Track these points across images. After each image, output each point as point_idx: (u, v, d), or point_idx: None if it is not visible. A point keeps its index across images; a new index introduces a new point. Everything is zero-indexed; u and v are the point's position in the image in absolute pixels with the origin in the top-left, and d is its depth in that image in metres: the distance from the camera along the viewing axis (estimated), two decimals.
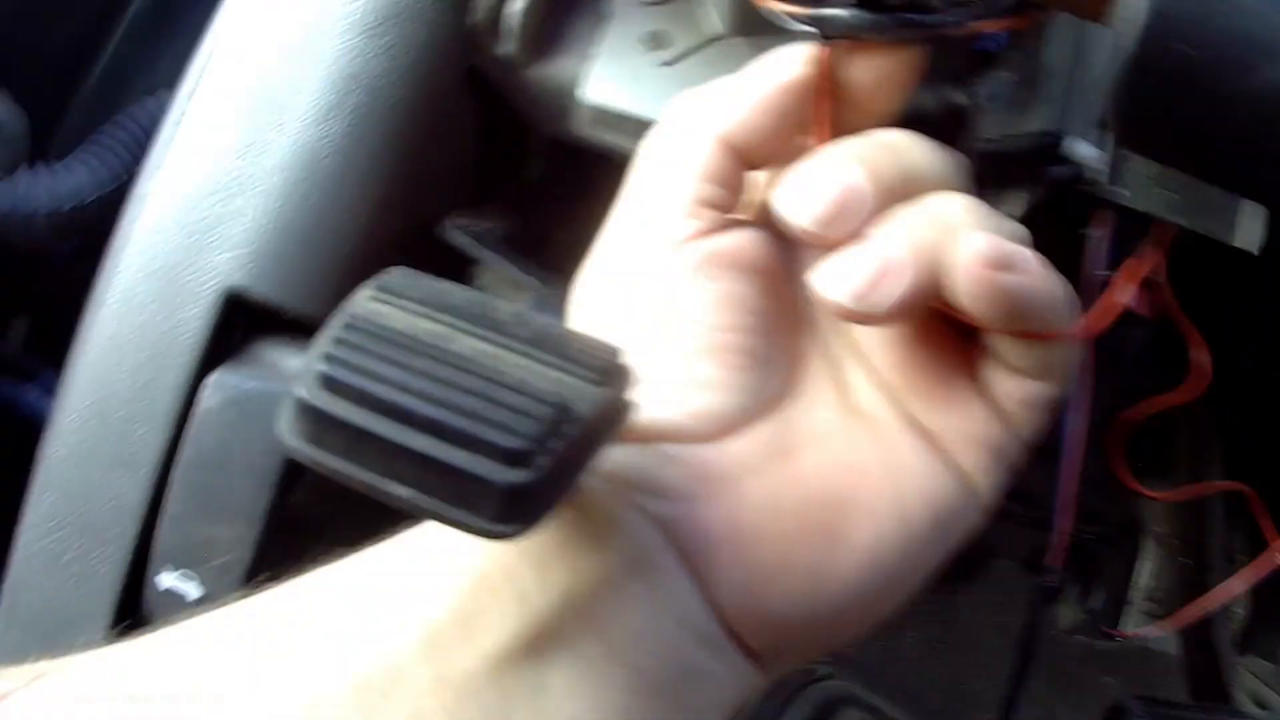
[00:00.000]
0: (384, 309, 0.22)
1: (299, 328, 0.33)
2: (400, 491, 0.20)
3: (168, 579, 0.33)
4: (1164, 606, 0.64)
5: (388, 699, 0.20)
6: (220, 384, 0.32)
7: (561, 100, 0.35)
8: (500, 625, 0.21)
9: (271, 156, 0.33)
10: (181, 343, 0.33)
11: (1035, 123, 0.35)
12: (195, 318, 0.33)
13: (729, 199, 0.26)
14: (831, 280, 0.23)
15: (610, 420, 0.21)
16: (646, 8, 0.34)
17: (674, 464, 0.23)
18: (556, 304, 0.28)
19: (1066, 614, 0.70)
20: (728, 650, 0.23)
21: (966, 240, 0.23)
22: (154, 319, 0.33)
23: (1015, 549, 0.67)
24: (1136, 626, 0.64)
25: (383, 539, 0.24)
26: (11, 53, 0.46)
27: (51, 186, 0.46)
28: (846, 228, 0.23)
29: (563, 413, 0.20)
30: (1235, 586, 0.43)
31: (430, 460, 0.20)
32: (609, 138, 0.35)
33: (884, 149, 0.24)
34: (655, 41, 0.34)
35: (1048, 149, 0.33)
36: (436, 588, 0.22)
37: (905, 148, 0.25)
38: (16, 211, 0.44)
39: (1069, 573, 0.69)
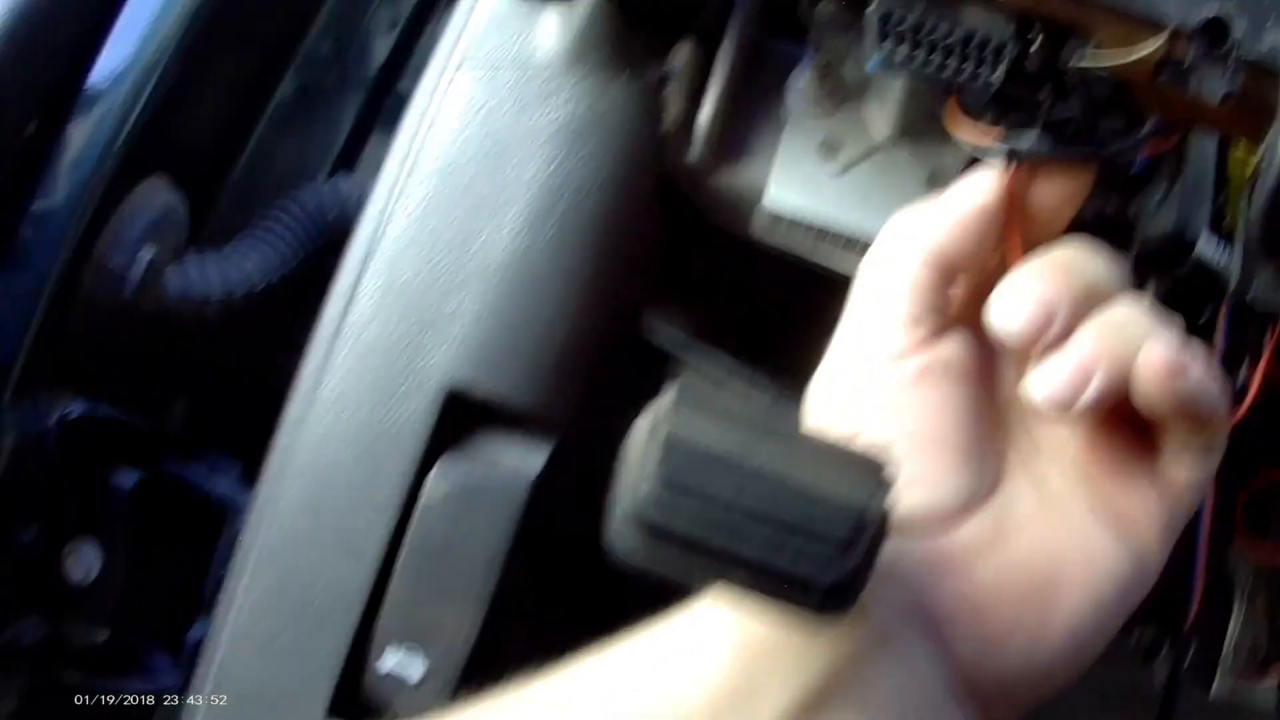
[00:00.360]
0: (692, 423, 0.24)
1: (516, 420, 0.35)
2: (732, 587, 0.23)
3: (391, 659, 0.35)
4: (1257, 665, 0.66)
5: None
6: (445, 474, 0.34)
7: (743, 206, 0.37)
8: (778, 694, 0.24)
9: (486, 257, 0.36)
10: (405, 436, 0.35)
11: (1165, 224, 0.38)
12: (417, 413, 0.35)
13: (937, 313, 0.30)
14: (1038, 383, 0.26)
15: (891, 518, 0.24)
16: (820, 115, 0.37)
17: (908, 555, 0.26)
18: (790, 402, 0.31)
19: (1163, 672, 0.72)
20: (957, 710, 0.26)
21: (1149, 350, 0.26)
22: (374, 413, 0.35)
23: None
24: (1227, 684, 0.66)
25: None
26: (166, 143, 0.48)
27: (223, 272, 0.48)
28: (1049, 339, 0.27)
29: (869, 517, 0.23)
30: None
31: (762, 566, 0.22)
32: (784, 241, 0.38)
33: (1071, 261, 0.28)
34: (828, 149, 0.37)
35: (1182, 249, 0.36)
36: (713, 659, 0.24)
37: (1086, 258, 0.28)
38: (189, 297, 0.46)
39: (1163, 632, 0.71)
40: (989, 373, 0.30)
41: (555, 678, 0.25)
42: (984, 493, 0.29)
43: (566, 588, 0.37)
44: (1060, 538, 0.28)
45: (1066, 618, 0.28)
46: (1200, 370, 0.26)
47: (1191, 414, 0.27)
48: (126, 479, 0.47)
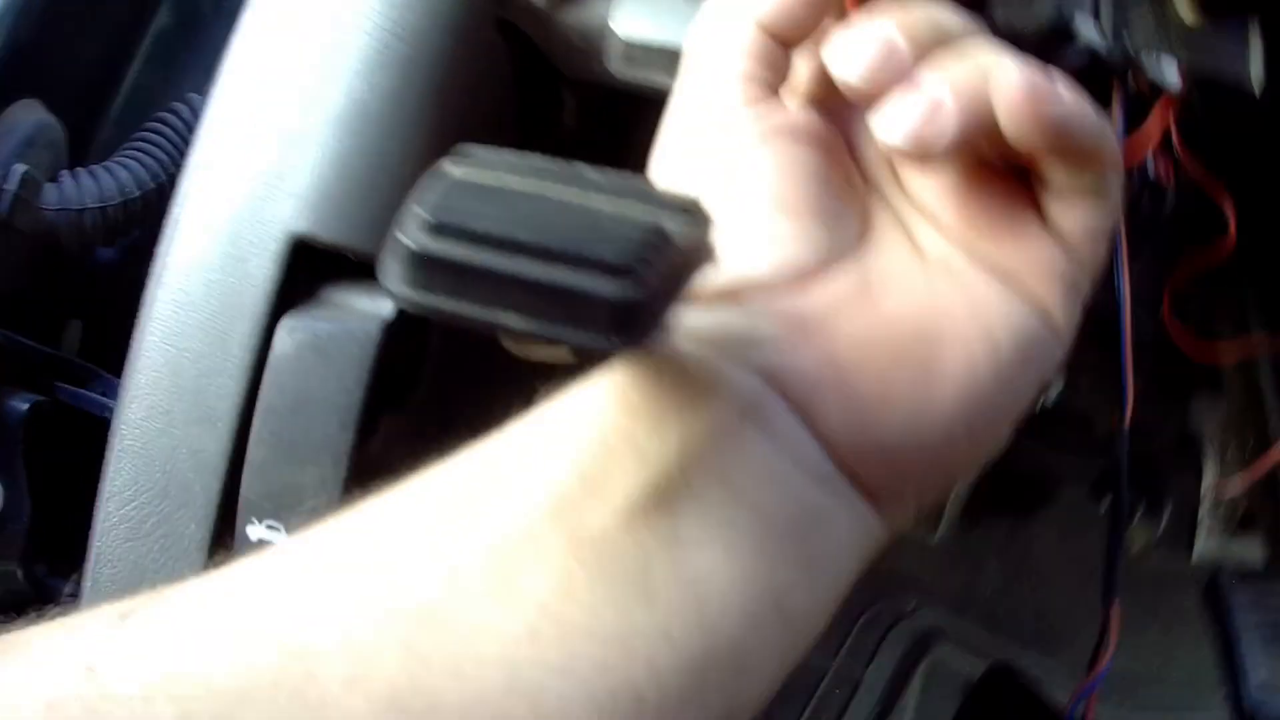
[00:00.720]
0: (470, 168, 0.23)
1: (364, 271, 0.34)
2: (513, 320, 0.21)
3: (256, 531, 0.33)
4: (1236, 522, 0.65)
5: (525, 562, 0.21)
6: (293, 327, 0.33)
7: (593, 42, 0.36)
8: (626, 482, 0.22)
9: (323, 110, 0.34)
10: (251, 292, 0.33)
11: (1043, 10, 0.36)
12: (263, 266, 0.33)
13: (775, 79, 0.28)
14: (889, 123, 0.25)
15: (698, 253, 0.22)
16: None
17: (765, 316, 0.25)
18: None
19: (1138, 537, 0.70)
20: (845, 490, 0.24)
21: (1004, 73, 0.24)
22: (221, 273, 0.34)
23: (1082, 476, 0.68)
24: (1209, 543, 0.64)
25: None
26: (40, 70, 0.48)
27: (96, 185, 0.48)
28: (893, 77, 0.25)
29: (660, 235, 0.21)
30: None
31: (540, 284, 0.20)
32: (643, 75, 0.36)
33: (915, 10, 0.26)
34: None
35: (1060, 32, 0.35)
36: (557, 455, 0.23)
37: (934, 10, 0.26)
38: (65, 210, 0.46)
39: (1135, 496, 0.69)
40: (847, 141, 0.29)
41: (412, 482, 0.23)
42: (846, 251, 0.27)
43: (431, 436, 0.36)
44: (939, 293, 0.26)
45: (953, 377, 0.25)
46: (1068, 95, 0.24)
47: (1067, 145, 0.25)
48: (19, 404, 0.46)
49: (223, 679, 0.19)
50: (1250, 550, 0.60)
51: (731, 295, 0.25)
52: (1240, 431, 0.54)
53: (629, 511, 0.22)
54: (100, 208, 0.46)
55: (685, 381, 0.23)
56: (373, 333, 0.32)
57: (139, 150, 0.50)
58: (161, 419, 0.34)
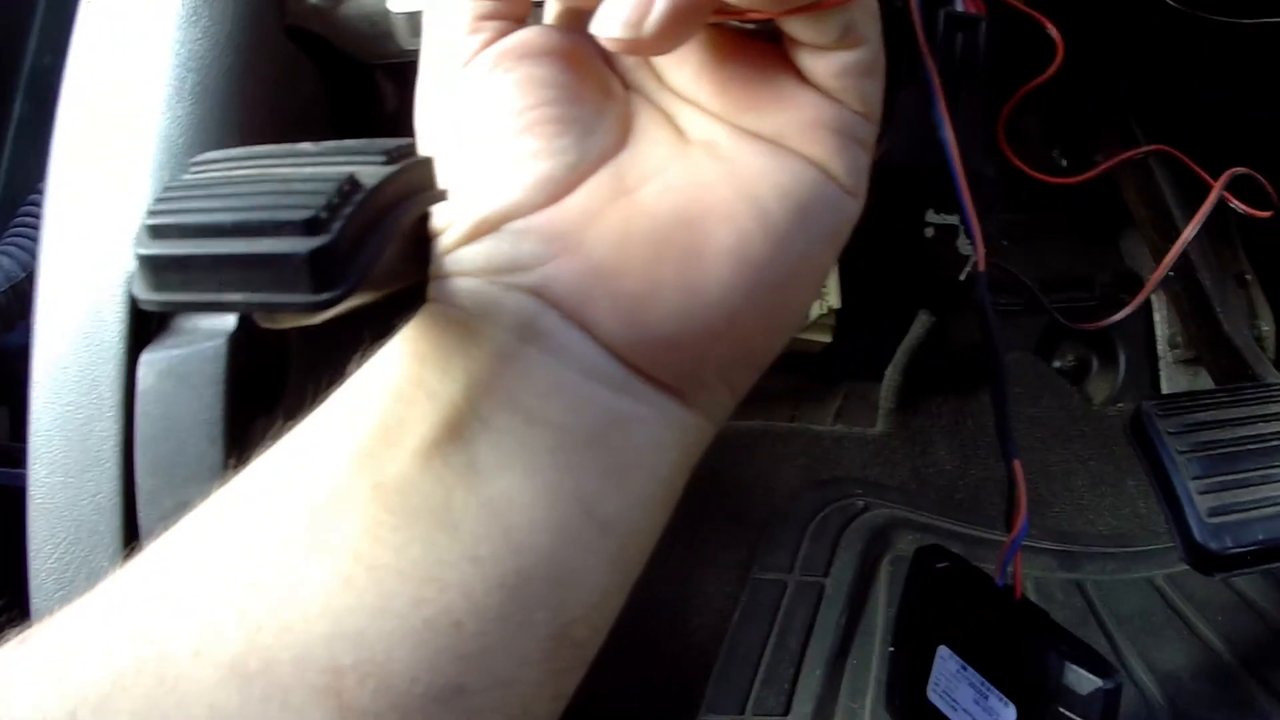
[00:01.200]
0: (198, 171, 0.24)
1: None
2: (233, 298, 0.22)
3: None
4: (1189, 349, 0.63)
5: (335, 516, 0.22)
6: (151, 360, 0.35)
7: (379, 25, 0.37)
8: (417, 423, 0.23)
9: (140, 154, 0.36)
10: (109, 337, 0.35)
11: None
12: (115, 311, 0.35)
13: (512, 8, 0.27)
14: (606, 23, 0.24)
15: (406, 189, 0.23)
16: None
17: (524, 236, 0.25)
18: None
19: (1098, 390, 0.69)
20: (641, 389, 0.25)
21: None
22: (81, 326, 0.36)
23: (1024, 339, 0.67)
24: (1175, 376, 0.63)
25: None
26: None
27: None
28: None
29: (350, 184, 0.22)
30: (1189, 232, 0.42)
31: (244, 257, 0.22)
32: None
33: None
34: None
35: None
36: (358, 412, 0.24)
37: None
38: None
39: (1089, 349, 0.69)
40: (577, 48, 0.28)
41: (251, 464, 0.25)
42: (599, 157, 0.26)
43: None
44: (700, 175, 0.26)
45: (722, 253, 0.25)
46: None
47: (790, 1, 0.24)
48: None
49: (98, 674, 0.21)
50: (1209, 383, 0.59)
51: (490, 224, 0.25)
52: (1156, 243, 0.53)
53: (424, 452, 0.23)
54: None
55: (463, 318, 0.24)
56: (219, 347, 0.34)
57: (19, 234, 0.52)
58: (60, 473, 0.36)
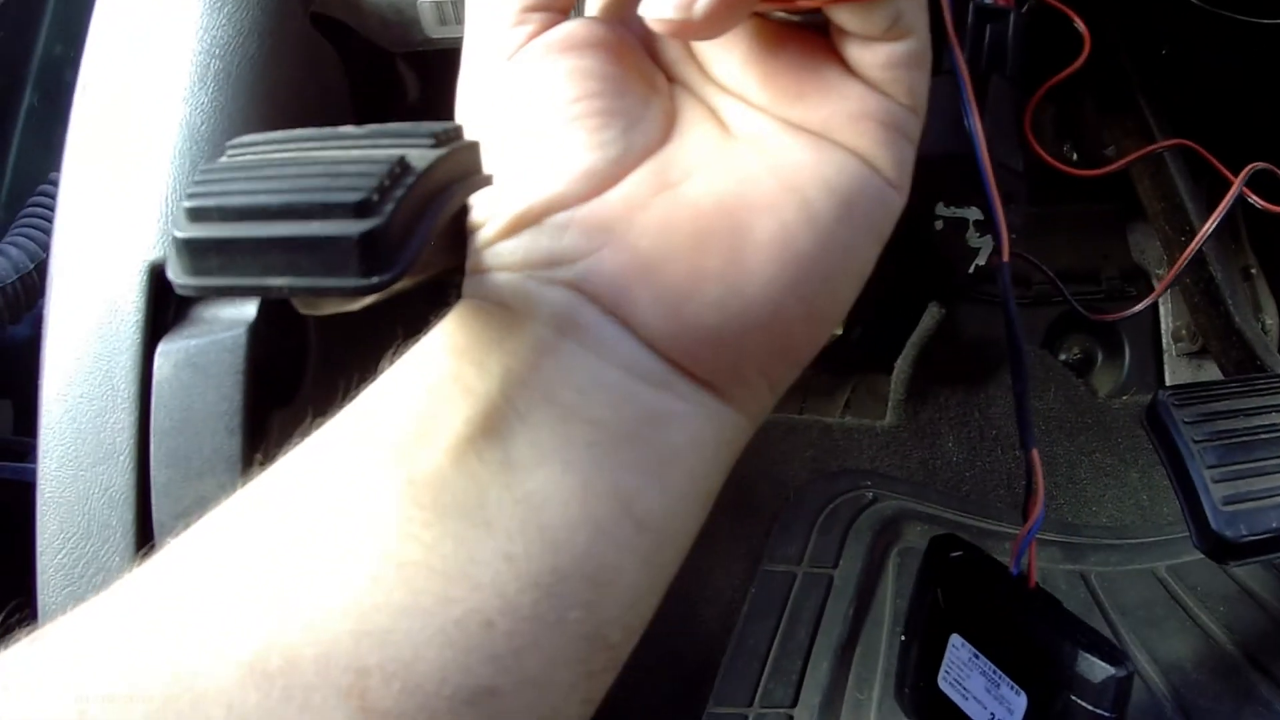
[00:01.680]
0: (237, 154, 0.24)
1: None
2: (277, 282, 0.22)
3: None
4: (1193, 342, 0.64)
5: (363, 512, 0.22)
6: (167, 351, 0.34)
7: (405, 13, 0.37)
8: (452, 419, 0.22)
9: (160, 142, 0.35)
10: (125, 328, 0.34)
11: None
12: (131, 301, 0.35)
13: (556, 3, 0.27)
14: (657, 4, 0.23)
15: (454, 173, 0.23)
16: None
17: (566, 230, 0.24)
18: None
19: (1103, 382, 0.70)
20: (682, 385, 0.24)
21: None
22: (96, 317, 0.35)
23: (1030, 332, 0.68)
24: (1178, 368, 0.63)
25: None
26: None
27: None
28: None
29: (400, 166, 0.22)
30: (1210, 225, 0.42)
31: (291, 240, 0.21)
32: (459, 33, 0.37)
33: None
34: None
35: None
36: (391, 408, 0.23)
37: None
38: None
39: (1095, 341, 0.69)
40: (648, 47, 0.28)
41: (284, 457, 0.24)
42: (643, 150, 0.26)
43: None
44: (747, 166, 0.25)
45: (767, 246, 0.24)
46: None
47: None
48: None
49: (112, 672, 0.21)
50: (1213, 375, 0.60)
51: (531, 217, 0.25)
52: (1169, 237, 0.53)
53: (458, 448, 0.22)
54: None
55: (502, 313, 0.24)
56: (239, 337, 0.33)
57: (28, 226, 0.51)
58: (71, 466, 0.35)
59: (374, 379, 0.25)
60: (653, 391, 0.24)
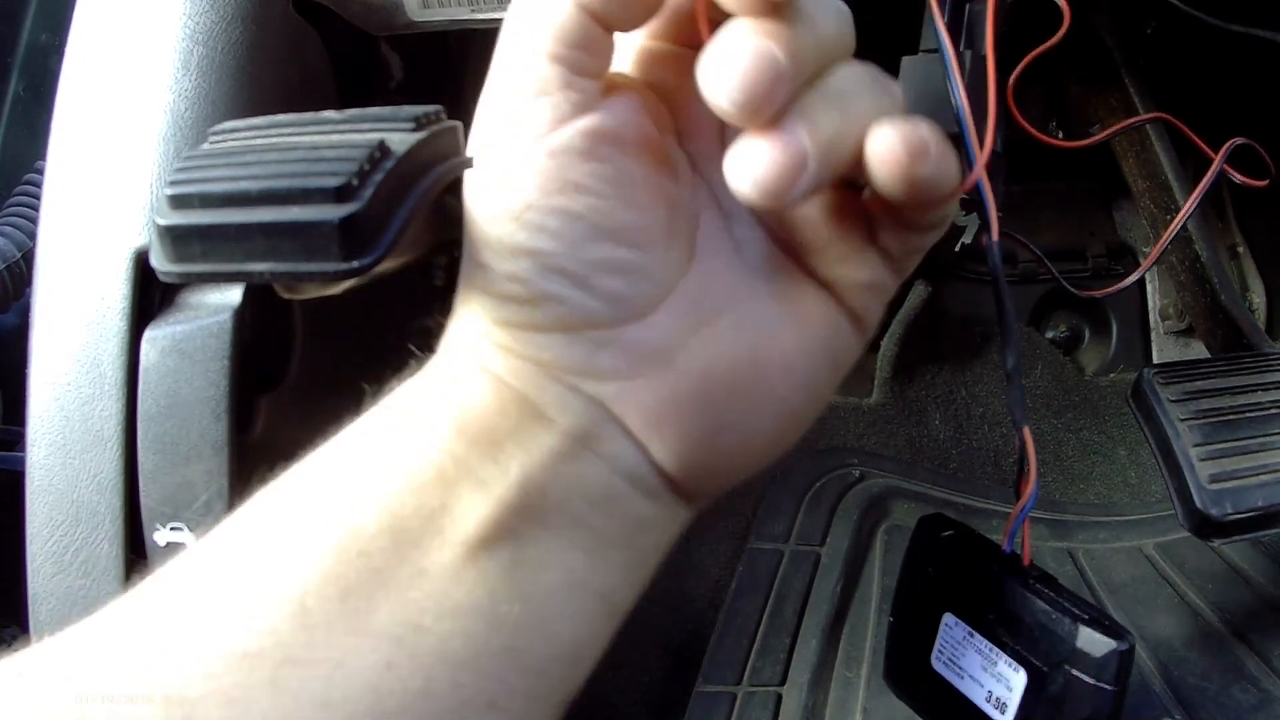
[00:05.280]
0: (219, 140, 0.24)
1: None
2: (258, 267, 0.22)
3: (163, 536, 0.34)
4: (1180, 320, 0.64)
5: (375, 599, 0.22)
6: (154, 337, 0.34)
7: None
8: (465, 514, 0.23)
9: (144, 128, 0.35)
10: (111, 314, 0.35)
11: None
12: (117, 287, 0.35)
13: (597, 65, 0.24)
14: (743, 168, 0.22)
15: (434, 156, 0.23)
16: None
17: (604, 347, 0.24)
18: None
19: (1090, 360, 0.70)
20: (667, 497, 0.26)
21: (884, 136, 0.23)
22: (82, 304, 0.35)
23: (1017, 310, 0.67)
24: (1166, 346, 0.64)
25: None
26: None
27: None
28: (770, 109, 0.22)
29: (380, 150, 0.22)
30: (1191, 204, 0.42)
31: (272, 225, 0.21)
32: (443, 14, 0.37)
33: (797, 10, 0.22)
34: None
35: None
36: (396, 489, 0.23)
37: (816, 23, 0.23)
38: None
39: (1082, 319, 0.69)
40: (660, 135, 0.25)
41: (267, 501, 0.24)
42: (677, 272, 0.25)
43: (313, 409, 0.37)
44: (770, 315, 0.26)
45: (780, 398, 0.26)
46: (936, 149, 0.23)
47: (929, 198, 0.24)
48: None
49: (119, 675, 0.21)
50: (1200, 353, 0.60)
51: (571, 326, 0.24)
52: (1154, 214, 0.53)
53: (471, 546, 0.23)
54: None
55: (524, 408, 0.24)
56: (225, 323, 0.33)
57: (15, 215, 0.51)
58: (59, 453, 0.35)
59: (360, 414, 0.24)
60: (646, 502, 0.25)
